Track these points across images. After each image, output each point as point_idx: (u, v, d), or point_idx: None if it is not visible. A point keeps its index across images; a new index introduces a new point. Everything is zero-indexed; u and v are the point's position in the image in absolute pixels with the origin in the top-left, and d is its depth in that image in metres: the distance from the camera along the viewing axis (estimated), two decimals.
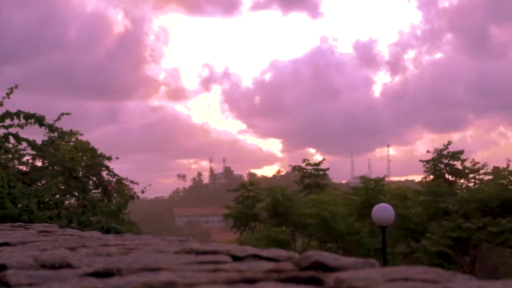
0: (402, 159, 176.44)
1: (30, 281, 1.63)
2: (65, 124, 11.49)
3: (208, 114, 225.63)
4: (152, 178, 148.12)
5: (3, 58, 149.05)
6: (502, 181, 24.97)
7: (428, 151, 27.61)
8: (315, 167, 30.53)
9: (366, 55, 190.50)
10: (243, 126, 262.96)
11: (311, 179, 30.40)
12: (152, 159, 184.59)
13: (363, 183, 27.73)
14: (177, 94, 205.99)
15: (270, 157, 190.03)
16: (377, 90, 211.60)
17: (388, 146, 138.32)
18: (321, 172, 30.73)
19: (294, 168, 31.09)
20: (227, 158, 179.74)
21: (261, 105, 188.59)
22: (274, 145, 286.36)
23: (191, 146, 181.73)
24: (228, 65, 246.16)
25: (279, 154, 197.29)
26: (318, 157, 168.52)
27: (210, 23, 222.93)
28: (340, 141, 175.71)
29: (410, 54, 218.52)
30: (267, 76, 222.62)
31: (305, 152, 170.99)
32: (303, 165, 30.71)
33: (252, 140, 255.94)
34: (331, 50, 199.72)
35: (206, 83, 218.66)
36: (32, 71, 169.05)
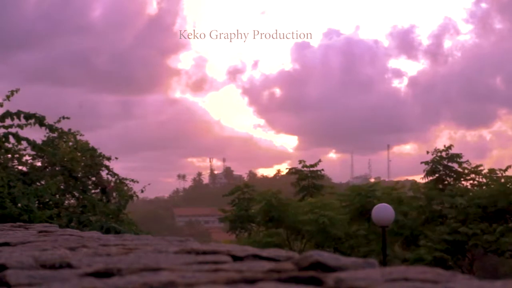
0: (414, 158, 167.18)
1: (30, 281, 1.63)
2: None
3: (227, 108, 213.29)
4: (157, 178, 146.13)
5: (16, 43, 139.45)
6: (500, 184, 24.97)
7: (427, 152, 27.71)
8: (310, 168, 30.48)
9: (402, 42, 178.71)
10: (261, 122, 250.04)
11: (307, 181, 30.36)
12: (161, 158, 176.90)
13: (352, 190, 27.80)
14: (201, 85, 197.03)
15: (282, 155, 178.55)
16: (408, 82, 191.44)
17: (388, 146, 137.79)
18: (318, 173, 30.64)
19: (291, 171, 31.03)
20: (237, 156, 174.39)
21: (282, 99, 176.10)
22: (289, 142, 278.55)
23: (202, 144, 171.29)
24: (259, 54, 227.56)
25: (292, 152, 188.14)
26: (332, 155, 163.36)
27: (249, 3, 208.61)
28: (360, 139, 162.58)
29: (449, 42, 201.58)
30: (292, 66, 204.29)
31: (320, 150, 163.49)
32: (299, 166, 30.70)
33: (267, 137, 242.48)
34: (363, 37, 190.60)
35: (233, 74, 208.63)
36: (47, 58, 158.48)
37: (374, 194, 26.30)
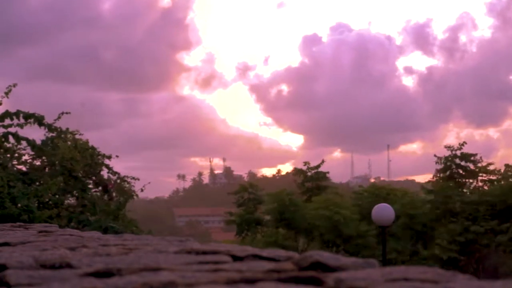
0: (418, 157, 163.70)
1: (30, 281, 1.63)
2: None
3: (234, 106, 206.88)
4: (158, 177, 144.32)
5: (19, 38, 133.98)
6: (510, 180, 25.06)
7: (445, 146, 27.65)
8: (313, 171, 30.48)
9: (416, 38, 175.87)
10: (268, 120, 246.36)
11: (311, 182, 30.36)
12: (164, 157, 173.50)
13: (369, 190, 27.84)
14: (210, 82, 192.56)
15: (287, 154, 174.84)
16: (420, 79, 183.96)
17: (388, 146, 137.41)
18: (321, 175, 30.64)
19: (296, 171, 30.97)
20: (242, 155, 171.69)
21: (290, 96, 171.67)
22: (295, 141, 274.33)
23: (206, 143, 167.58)
24: (270, 49, 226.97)
25: (296, 151, 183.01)
26: (337, 155, 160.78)
27: None
28: (366, 138, 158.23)
29: (465, 37, 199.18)
30: (301, 62, 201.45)
31: (325, 150, 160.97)
32: (305, 168, 30.68)
33: (272, 135, 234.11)
34: (376, 32, 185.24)
35: (243, 71, 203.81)
36: (52, 53, 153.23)
37: (389, 197, 26.20)
